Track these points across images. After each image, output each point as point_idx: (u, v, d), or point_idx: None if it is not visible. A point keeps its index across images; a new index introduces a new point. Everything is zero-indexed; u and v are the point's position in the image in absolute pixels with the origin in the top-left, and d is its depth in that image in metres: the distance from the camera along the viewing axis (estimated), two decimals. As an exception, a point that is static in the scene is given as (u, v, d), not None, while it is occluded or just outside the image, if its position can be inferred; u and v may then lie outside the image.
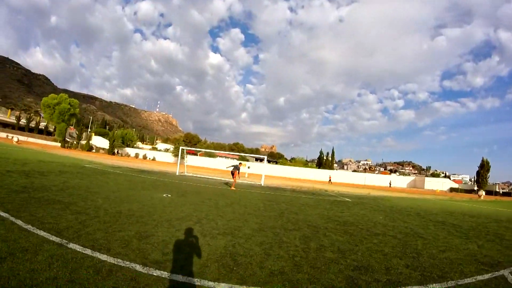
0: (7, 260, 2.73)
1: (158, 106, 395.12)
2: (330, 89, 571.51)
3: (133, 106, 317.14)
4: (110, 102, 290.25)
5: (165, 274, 2.91)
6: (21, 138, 50.73)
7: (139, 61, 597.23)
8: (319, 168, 73.94)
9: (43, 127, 73.49)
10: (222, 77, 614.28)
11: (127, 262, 3.07)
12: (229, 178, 18.94)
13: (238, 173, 14.96)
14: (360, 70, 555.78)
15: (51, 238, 3.51)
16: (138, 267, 2.98)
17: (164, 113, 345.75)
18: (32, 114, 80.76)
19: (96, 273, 2.74)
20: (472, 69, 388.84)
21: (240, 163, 18.75)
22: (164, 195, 8.78)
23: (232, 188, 13.94)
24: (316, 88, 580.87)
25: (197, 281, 2.84)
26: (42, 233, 3.68)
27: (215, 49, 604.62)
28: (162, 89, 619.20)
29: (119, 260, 3.11)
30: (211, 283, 2.83)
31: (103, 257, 3.15)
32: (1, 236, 3.33)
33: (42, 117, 71.83)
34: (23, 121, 72.45)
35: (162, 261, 3.23)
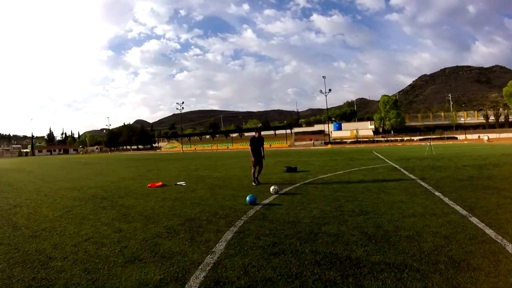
0: (417, 217, 3.87)
1: None
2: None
3: None
4: None
5: None
6: (492, 136, 50.68)
7: None
8: None
9: (515, 119, 67.34)
10: None
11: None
12: None
13: None
14: None
15: (461, 212, 4.06)
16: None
17: None
18: (500, 109, 77.65)
19: (470, 239, 2.96)
20: None
21: None
22: None
23: None
24: None
25: None
26: (457, 207, 4.34)
27: None
28: None
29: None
30: None
31: (490, 232, 3.13)
32: (423, 205, 4.58)
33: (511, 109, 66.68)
34: (492, 119, 72.30)
35: None
